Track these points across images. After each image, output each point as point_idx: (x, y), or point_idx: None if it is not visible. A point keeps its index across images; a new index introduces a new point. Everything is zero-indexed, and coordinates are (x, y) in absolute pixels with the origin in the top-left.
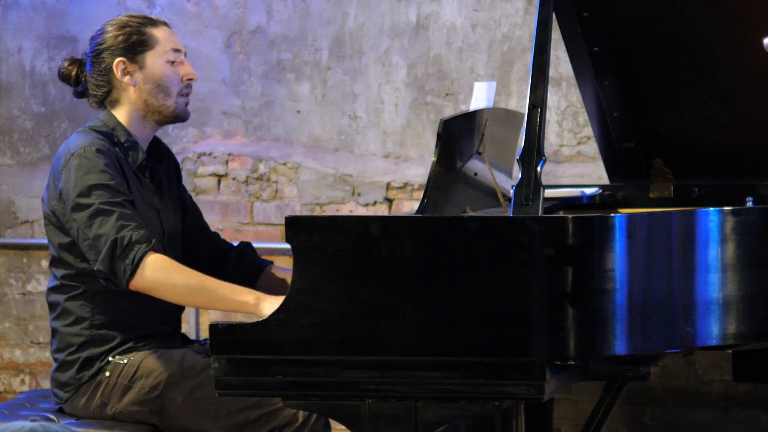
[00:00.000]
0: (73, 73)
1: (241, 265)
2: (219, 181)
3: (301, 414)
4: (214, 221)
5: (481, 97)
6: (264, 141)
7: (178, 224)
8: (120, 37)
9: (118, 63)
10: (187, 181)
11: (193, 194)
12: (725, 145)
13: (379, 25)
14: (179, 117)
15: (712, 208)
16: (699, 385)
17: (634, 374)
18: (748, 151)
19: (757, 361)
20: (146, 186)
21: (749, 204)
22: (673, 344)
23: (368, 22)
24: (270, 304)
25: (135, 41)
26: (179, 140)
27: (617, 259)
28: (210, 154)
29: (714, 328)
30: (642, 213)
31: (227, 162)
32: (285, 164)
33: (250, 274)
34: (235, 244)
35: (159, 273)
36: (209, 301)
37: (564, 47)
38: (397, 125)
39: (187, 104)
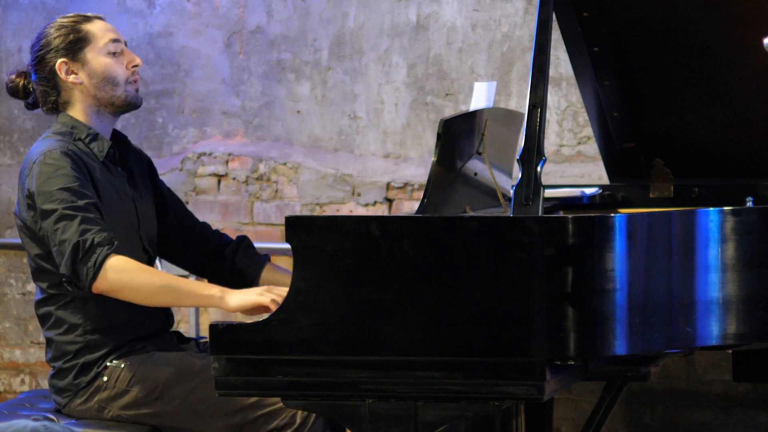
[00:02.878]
0: (21, 84)
1: (236, 264)
2: (219, 181)
3: (300, 415)
4: (214, 221)
5: (481, 97)
6: (264, 141)
7: (154, 213)
8: (57, 39)
9: (60, 64)
10: (186, 181)
11: (192, 194)
12: (725, 145)
13: (379, 25)
14: (132, 104)
15: (712, 208)
16: (699, 385)
17: (634, 374)
18: (748, 151)
19: (757, 361)
20: (118, 175)
21: (749, 204)
22: (673, 344)
23: (368, 22)
24: (236, 296)
25: (72, 39)
26: (179, 140)
27: (617, 259)
28: (210, 154)
29: (714, 328)
30: (642, 213)
31: (227, 162)
32: (285, 164)
33: (248, 273)
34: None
35: (121, 274)
36: (174, 299)
37: (564, 47)
38: (397, 125)
39: (137, 90)
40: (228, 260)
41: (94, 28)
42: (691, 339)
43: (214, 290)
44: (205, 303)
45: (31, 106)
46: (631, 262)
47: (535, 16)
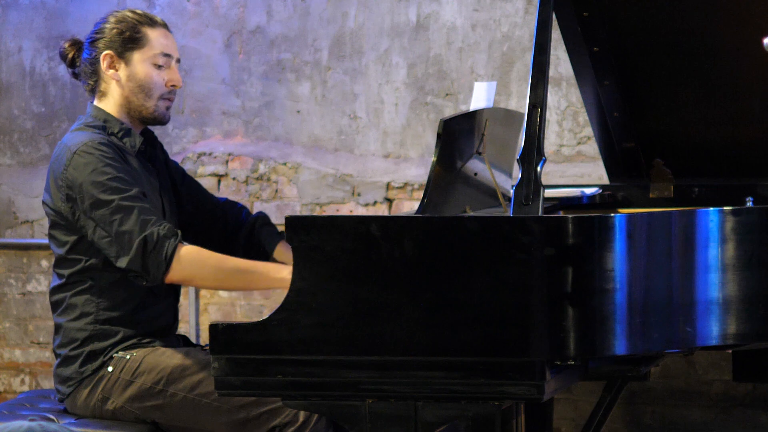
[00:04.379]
0: (70, 55)
1: (252, 244)
2: (219, 181)
3: (302, 413)
4: None
5: (481, 97)
6: (264, 141)
7: (176, 205)
8: (114, 30)
9: (105, 55)
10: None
11: None
12: (725, 145)
13: (379, 25)
14: (158, 120)
15: (712, 208)
16: (699, 385)
17: (634, 374)
18: (748, 151)
19: (757, 361)
20: (150, 170)
21: (749, 204)
22: (673, 344)
23: (368, 22)
24: None
25: (127, 37)
26: (179, 140)
27: (617, 259)
28: (210, 154)
29: (714, 328)
30: (642, 213)
31: (227, 162)
32: (285, 164)
33: (264, 251)
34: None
35: (193, 263)
36: (247, 282)
37: (564, 47)
38: (397, 125)
39: (168, 108)
40: (243, 241)
41: (153, 34)
42: (691, 339)
43: (284, 272)
44: (276, 285)
45: (75, 76)
46: (631, 262)
47: (535, 16)
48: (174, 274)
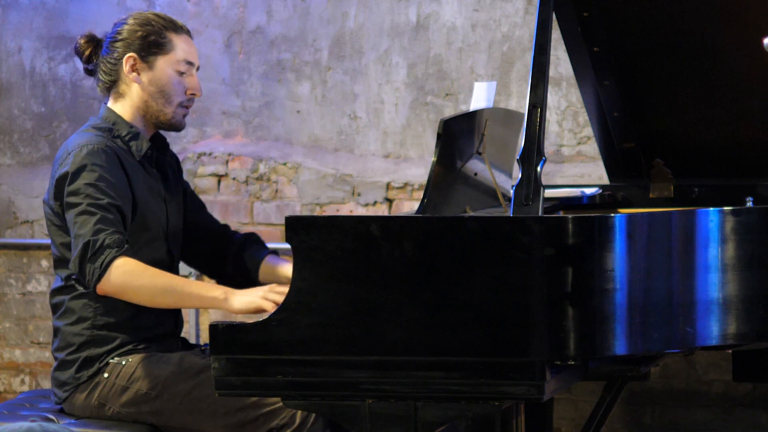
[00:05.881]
0: (87, 52)
1: (240, 262)
2: (219, 181)
3: (299, 415)
4: None
5: (481, 97)
6: (264, 141)
7: (182, 216)
8: (138, 33)
9: (128, 58)
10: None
11: None
12: (725, 145)
13: (379, 25)
14: (174, 126)
15: (712, 208)
16: (699, 385)
17: (634, 374)
18: (748, 151)
19: (757, 361)
20: (154, 176)
21: (749, 204)
22: (673, 344)
23: (368, 22)
24: (240, 297)
25: (151, 41)
26: (179, 140)
27: (617, 259)
28: (210, 154)
29: (714, 328)
30: (642, 213)
31: (227, 162)
32: (285, 164)
33: (251, 271)
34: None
35: (125, 276)
36: (178, 300)
37: (564, 47)
38: (397, 125)
39: (185, 116)
40: (230, 264)
41: (178, 41)
42: (691, 339)
43: (217, 292)
44: (208, 305)
45: (89, 72)
46: (631, 262)
47: (535, 16)
48: (105, 285)
